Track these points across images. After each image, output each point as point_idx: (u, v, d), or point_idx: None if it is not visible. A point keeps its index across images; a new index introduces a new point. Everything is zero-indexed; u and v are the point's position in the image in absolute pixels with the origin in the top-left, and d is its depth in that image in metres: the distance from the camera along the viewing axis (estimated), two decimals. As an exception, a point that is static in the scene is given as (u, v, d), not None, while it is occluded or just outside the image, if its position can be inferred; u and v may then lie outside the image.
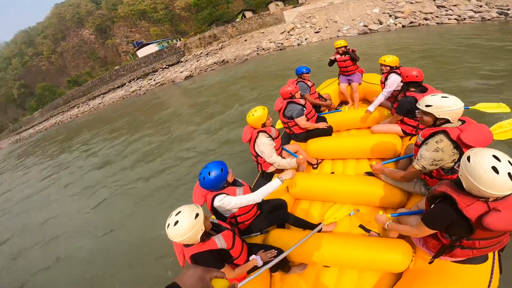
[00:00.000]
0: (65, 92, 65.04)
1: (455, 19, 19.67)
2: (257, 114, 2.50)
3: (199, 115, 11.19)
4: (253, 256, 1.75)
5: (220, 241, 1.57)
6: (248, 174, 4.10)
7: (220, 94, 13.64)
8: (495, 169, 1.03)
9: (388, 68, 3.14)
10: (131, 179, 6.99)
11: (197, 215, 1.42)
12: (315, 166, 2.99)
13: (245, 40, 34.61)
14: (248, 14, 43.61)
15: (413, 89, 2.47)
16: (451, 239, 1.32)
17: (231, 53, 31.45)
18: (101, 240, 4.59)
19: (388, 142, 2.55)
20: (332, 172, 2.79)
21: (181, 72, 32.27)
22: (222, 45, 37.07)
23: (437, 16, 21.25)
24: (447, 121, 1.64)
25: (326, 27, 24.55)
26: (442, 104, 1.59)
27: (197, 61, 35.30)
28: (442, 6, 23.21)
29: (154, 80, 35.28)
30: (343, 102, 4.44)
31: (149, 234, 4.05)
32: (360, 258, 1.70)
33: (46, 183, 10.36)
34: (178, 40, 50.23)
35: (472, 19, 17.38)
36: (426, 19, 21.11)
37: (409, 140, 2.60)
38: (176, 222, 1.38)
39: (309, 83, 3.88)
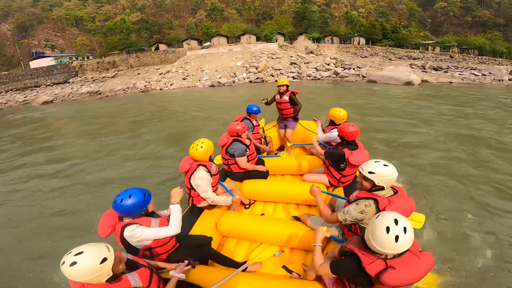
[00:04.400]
0: None
1: (287, 77, 22.03)
2: (204, 147, 2.44)
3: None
4: (172, 273, 1.66)
5: (134, 280, 1.38)
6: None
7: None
8: (388, 229, 1.20)
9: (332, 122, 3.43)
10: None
11: (104, 259, 1.21)
12: (247, 206, 3.01)
13: (138, 74, 33.28)
14: (162, 47, 43.22)
15: (347, 146, 2.66)
16: None
17: (115, 85, 29.45)
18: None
19: None
20: (263, 214, 2.89)
21: (36, 96, 28.44)
22: (116, 73, 34.96)
23: (281, 74, 22.94)
24: (382, 188, 1.74)
25: (193, 75, 24.79)
26: (384, 173, 1.67)
27: (82, 85, 32.25)
28: (294, 63, 25.24)
29: (26, 96, 30.76)
30: (283, 146, 4.47)
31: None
32: None
33: None
34: (83, 58, 46.68)
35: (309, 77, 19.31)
36: (272, 75, 22.64)
37: (333, 190, 2.87)
38: (73, 263, 1.16)
39: (255, 123, 3.87)
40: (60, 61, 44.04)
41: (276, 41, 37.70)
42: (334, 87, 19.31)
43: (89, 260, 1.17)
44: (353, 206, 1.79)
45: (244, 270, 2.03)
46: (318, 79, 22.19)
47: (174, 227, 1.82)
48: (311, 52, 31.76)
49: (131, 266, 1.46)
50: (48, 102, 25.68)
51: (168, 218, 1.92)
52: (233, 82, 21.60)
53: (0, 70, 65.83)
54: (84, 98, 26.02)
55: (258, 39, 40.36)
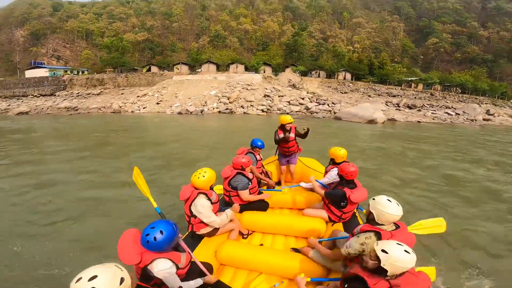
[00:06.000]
0: None
1: (256, 109, 22.20)
2: (206, 176, 2.53)
3: None
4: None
5: None
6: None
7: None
8: (406, 251, 1.37)
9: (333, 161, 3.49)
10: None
11: (122, 279, 1.16)
12: (245, 236, 3.07)
13: (122, 94, 33.82)
14: (154, 69, 44.50)
15: (346, 185, 2.77)
16: None
17: (95, 103, 29.77)
18: None
19: (314, 225, 2.89)
20: (261, 244, 2.92)
21: (17, 106, 28.69)
22: (102, 91, 35.60)
23: (252, 106, 22.99)
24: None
25: (167, 101, 25.02)
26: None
27: (64, 99, 32.64)
28: (268, 96, 25.46)
29: (9, 105, 31.04)
30: (278, 183, 4.51)
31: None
32: None
33: None
34: (77, 72, 48.03)
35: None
36: (242, 107, 22.69)
37: (332, 226, 2.93)
38: None
39: (258, 157, 3.90)
40: (54, 73, 45.22)
41: (264, 71, 38.79)
42: (298, 121, 19.27)
43: (108, 283, 1.09)
44: (355, 239, 1.86)
45: None
46: (288, 113, 22.27)
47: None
48: (293, 86, 32.46)
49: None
50: (23, 113, 25.84)
51: (190, 253, 1.96)
52: (202, 111, 21.67)
53: (4, 75, 67.67)
54: (60, 112, 26.23)
55: (247, 69, 41.49)
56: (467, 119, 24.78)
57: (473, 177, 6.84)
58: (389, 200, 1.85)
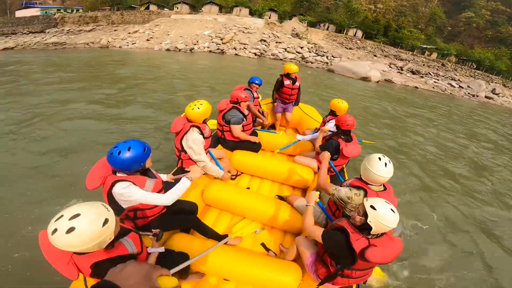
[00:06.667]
0: None
1: (249, 52, 21.23)
2: (202, 108, 2.32)
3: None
4: (150, 250, 1.41)
5: (130, 246, 1.25)
6: (161, 167, 3.72)
7: None
8: (392, 210, 1.39)
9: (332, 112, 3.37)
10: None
11: (106, 221, 1.02)
12: (233, 177, 2.99)
13: (115, 30, 32.12)
14: (153, 7, 41.41)
15: (342, 136, 2.71)
16: (336, 268, 1.55)
17: (85, 38, 28.51)
18: None
19: (303, 174, 2.86)
20: (248, 188, 2.89)
21: (5, 41, 27.81)
22: (94, 28, 33.90)
23: (245, 48, 21.91)
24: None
25: (157, 38, 23.85)
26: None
27: (53, 36, 31.34)
28: (264, 40, 24.16)
29: None
30: (272, 126, 4.42)
31: None
32: (256, 276, 1.82)
33: None
34: (72, 11, 45.24)
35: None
36: (235, 48, 21.63)
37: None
38: (71, 230, 0.95)
39: (255, 94, 3.81)
40: (46, 12, 42.66)
41: (270, 17, 36.12)
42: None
43: (90, 223, 0.97)
44: (346, 189, 1.89)
45: (224, 243, 2.01)
46: (281, 59, 21.12)
47: (168, 199, 1.67)
48: (296, 35, 30.25)
49: (120, 232, 1.23)
50: (9, 49, 25.08)
51: (163, 183, 1.80)
52: (192, 49, 20.65)
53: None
54: (47, 47, 25.30)
55: (252, 13, 38.44)
56: (468, 93, 23.33)
57: (431, 148, 6.75)
58: (379, 159, 1.78)
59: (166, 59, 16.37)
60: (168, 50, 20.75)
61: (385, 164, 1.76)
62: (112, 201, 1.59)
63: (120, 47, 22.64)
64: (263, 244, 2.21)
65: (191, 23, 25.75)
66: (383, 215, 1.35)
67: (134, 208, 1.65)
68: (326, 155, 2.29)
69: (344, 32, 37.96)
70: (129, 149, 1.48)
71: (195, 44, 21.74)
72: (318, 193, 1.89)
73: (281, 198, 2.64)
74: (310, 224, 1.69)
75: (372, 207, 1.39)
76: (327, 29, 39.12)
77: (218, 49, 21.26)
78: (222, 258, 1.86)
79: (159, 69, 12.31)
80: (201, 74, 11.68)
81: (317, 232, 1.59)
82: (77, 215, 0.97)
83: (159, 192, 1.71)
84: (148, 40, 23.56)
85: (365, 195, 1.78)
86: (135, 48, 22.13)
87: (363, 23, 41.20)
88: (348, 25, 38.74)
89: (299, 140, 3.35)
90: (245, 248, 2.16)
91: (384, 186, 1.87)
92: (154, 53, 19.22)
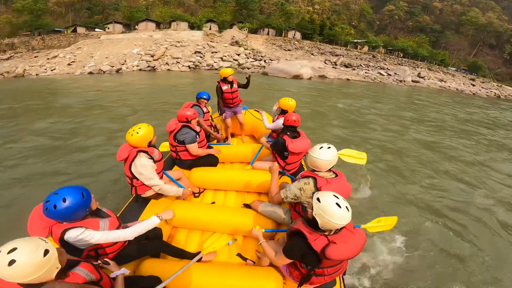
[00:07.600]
0: None
1: (182, 66, 20.59)
2: (141, 132, 2.27)
3: None
4: (113, 275, 1.47)
5: (86, 274, 1.24)
6: (118, 197, 3.57)
7: None
8: (338, 204, 1.31)
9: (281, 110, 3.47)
10: None
11: (46, 251, 1.04)
12: (196, 195, 2.94)
13: (36, 57, 28.83)
14: (81, 29, 38.36)
15: (288, 132, 2.77)
16: (307, 269, 1.55)
17: (2, 68, 25.03)
18: None
19: (264, 178, 2.85)
20: (213, 202, 2.88)
21: None
22: (12, 56, 30.09)
23: (178, 62, 21.26)
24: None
25: (80, 62, 21.90)
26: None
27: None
28: (199, 52, 23.73)
29: None
30: (230, 135, 4.37)
31: None
32: (238, 286, 1.81)
33: None
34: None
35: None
36: (167, 64, 20.88)
37: (280, 178, 2.89)
38: (12, 262, 0.98)
39: (205, 109, 3.81)
40: None
41: (210, 29, 36.03)
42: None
43: (29, 255, 0.99)
44: (295, 184, 1.93)
45: (199, 261, 1.98)
46: (216, 69, 21.00)
47: (131, 234, 1.62)
48: (236, 42, 30.61)
49: (69, 263, 1.24)
50: None
51: (118, 219, 1.75)
52: (119, 70, 19.35)
53: None
54: None
55: (192, 27, 37.94)
56: (396, 79, 25.94)
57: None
58: (321, 147, 1.85)
59: (90, 83, 14.99)
60: (91, 73, 19.14)
61: (325, 148, 1.83)
62: (66, 245, 1.50)
63: (37, 74, 20.27)
64: (239, 255, 2.20)
65: (118, 43, 24.29)
66: (325, 208, 1.31)
67: (94, 248, 1.60)
68: (275, 167, 2.44)
69: (283, 35, 39.69)
70: (64, 200, 1.39)
71: (122, 64, 20.45)
72: (257, 227, 1.94)
73: (247, 206, 2.68)
74: (272, 257, 1.69)
75: (318, 199, 1.36)
76: (268, 34, 40.54)
77: (148, 66, 20.31)
78: (198, 276, 1.82)
79: (78, 96, 10.99)
80: (133, 96, 10.80)
81: (281, 257, 1.57)
82: (14, 249, 0.98)
83: (117, 229, 1.65)
84: (69, 64, 21.53)
85: (315, 183, 1.79)
86: (54, 75, 20.00)
87: (300, 24, 43.64)
88: (285, 28, 40.63)
89: (263, 146, 3.37)
90: (221, 261, 2.16)
91: (335, 173, 1.88)
92: (74, 79, 17.50)
